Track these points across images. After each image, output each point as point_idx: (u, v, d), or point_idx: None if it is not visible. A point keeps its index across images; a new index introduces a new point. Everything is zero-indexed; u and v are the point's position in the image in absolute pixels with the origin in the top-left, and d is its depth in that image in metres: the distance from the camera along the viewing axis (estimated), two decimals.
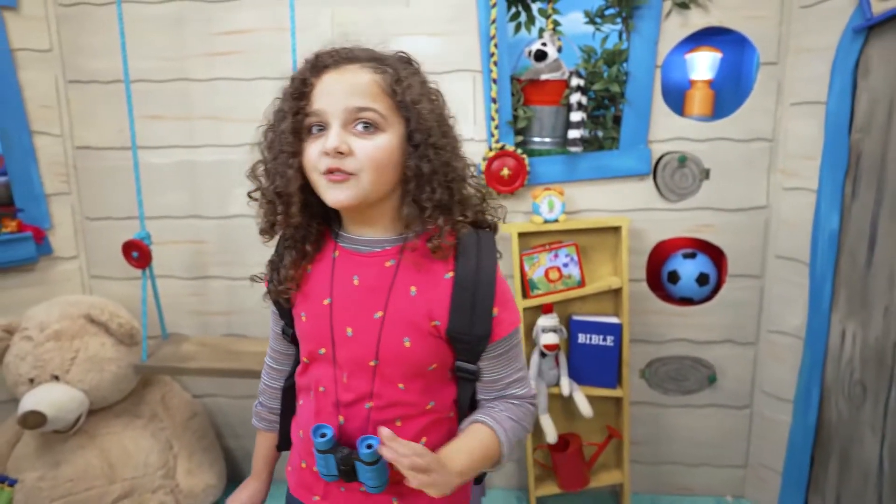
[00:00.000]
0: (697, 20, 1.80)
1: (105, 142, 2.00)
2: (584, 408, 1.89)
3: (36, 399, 1.72)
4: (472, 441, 0.83)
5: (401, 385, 0.83)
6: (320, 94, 0.78)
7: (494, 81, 1.84)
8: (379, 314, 0.82)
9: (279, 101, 0.83)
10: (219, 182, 1.97)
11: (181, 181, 2.00)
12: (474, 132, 1.92)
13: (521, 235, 1.88)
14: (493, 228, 0.91)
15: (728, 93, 1.98)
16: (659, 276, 2.04)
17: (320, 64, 0.80)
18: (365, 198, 0.79)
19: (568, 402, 1.96)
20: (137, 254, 1.80)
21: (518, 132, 1.91)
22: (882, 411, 1.68)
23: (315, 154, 0.79)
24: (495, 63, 1.82)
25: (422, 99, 0.81)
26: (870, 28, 1.59)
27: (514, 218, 1.95)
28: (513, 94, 1.88)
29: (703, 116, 1.92)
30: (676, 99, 1.94)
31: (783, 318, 1.92)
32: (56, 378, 1.79)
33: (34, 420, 1.69)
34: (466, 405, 0.89)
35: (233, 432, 2.21)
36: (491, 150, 1.87)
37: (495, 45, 1.81)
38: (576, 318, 1.93)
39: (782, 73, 1.82)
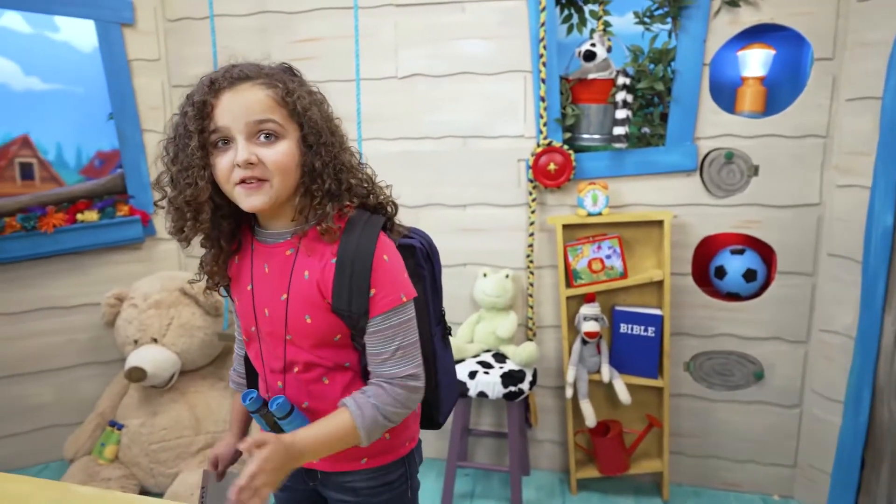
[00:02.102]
0: (747, 17, 1.82)
1: None
2: (623, 395, 1.95)
3: (139, 357, 2.02)
4: (328, 427, 0.90)
5: (315, 353, 0.95)
6: (222, 113, 0.85)
7: (543, 81, 1.94)
8: (284, 296, 0.93)
9: (179, 119, 0.89)
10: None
11: None
12: (524, 129, 2.03)
13: (566, 227, 1.98)
14: (393, 208, 0.99)
15: (782, 89, 1.97)
16: (706, 271, 2.06)
17: (216, 86, 0.86)
18: (276, 199, 0.89)
19: (609, 389, 2.03)
20: None
21: (567, 129, 2.01)
22: None
23: (226, 167, 0.87)
24: (544, 63, 1.93)
25: (311, 106, 0.90)
26: None
27: (560, 211, 2.04)
28: (562, 93, 1.98)
29: (755, 113, 1.93)
30: (728, 96, 1.96)
31: (835, 316, 1.89)
32: (155, 341, 2.09)
33: (136, 374, 1.98)
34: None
35: None
36: (539, 146, 1.98)
37: (544, 47, 1.92)
38: (618, 308, 2.00)
39: (838, 69, 1.80)
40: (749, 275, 1.96)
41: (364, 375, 0.98)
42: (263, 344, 0.99)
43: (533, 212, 2.04)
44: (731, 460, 2.12)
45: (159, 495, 2.05)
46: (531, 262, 2.09)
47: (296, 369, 0.96)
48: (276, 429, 0.95)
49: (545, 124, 1.97)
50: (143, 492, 2.10)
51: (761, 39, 1.90)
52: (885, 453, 1.80)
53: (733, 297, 2.02)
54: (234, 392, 1.17)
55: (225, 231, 0.95)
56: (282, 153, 0.88)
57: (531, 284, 2.10)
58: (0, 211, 2.12)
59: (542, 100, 1.95)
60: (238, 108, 0.86)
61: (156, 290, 2.14)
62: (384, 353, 0.92)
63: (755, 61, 1.91)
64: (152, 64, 2.25)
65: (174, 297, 2.14)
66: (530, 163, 1.99)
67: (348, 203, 0.93)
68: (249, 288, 0.97)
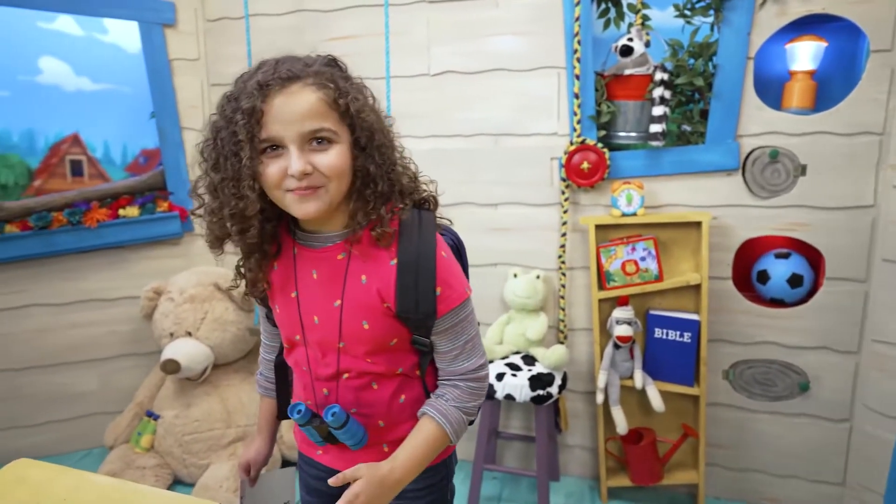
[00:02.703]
0: (796, 8, 1.72)
1: None
2: (657, 402, 1.88)
3: (174, 350, 2.07)
4: (419, 443, 0.89)
5: (368, 360, 0.91)
6: (273, 120, 0.80)
7: (577, 77, 1.89)
8: (337, 303, 0.89)
9: (221, 122, 0.83)
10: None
11: None
12: (557, 127, 1.98)
13: (599, 228, 1.92)
14: (433, 204, 0.96)
15: (833, 84, 1.86)
16: (748, 276, 1.96)
17: (265, 91, 0.80)
18: (330, 205, 0.85)
19: (643, 395, 1.96)
20: None
21: (601, 127, 1.95)
22: None
23: (277, 174, 0.82)
24: (578, 59, 1.88)
25: (363, 107, 0.85)
26: None
27: (593, 211, 1.99)
28: (597, 90, 1.92)
29: (803, 109, 1.82)
30: (774, 92, 1.86)
31: (889, 325, 1.77)
32: (189, 334, 2.14)
33: (171, 366, 2.03)
34: (427, 370, 0.96)
35: None
36: (572, 144, 1.93)
37: (578, 42, 1.87)
38: (653, 312, 1.93)
39: None
40: (794, 280, 1.86)
41: (412, 381, 0.95)
42: (310, 351, 0.94)
43: (565, 211, 1.99)
44: (773, 475, 2.01)
45: (191, 485, 2.09)
46: (563, 262, 2.04)
47: (345, 376, 0.93)
48: (330, 439, 0.93)
49: (579, 122, 1.92)
50: (176, 481, 2.16)
51: (811, 31, 1.79)
52: None
53: (777, 303, 1.92)
54: (262, 395, 1.15)
55: (267, 235, 0.90)
56: (336, 158, 0.83)
57: (562, 286, 2.05)
58: (49, 206, 2.20)
59: (576, 96, 1.90)
60: (290, 115, 0.80)
61: (191, 284, 2.19)
62: (455, 349, 0.91)
63: (805, 54, 1.80)
64: (192, 63, 2.31)
65: (208, 291, 2.19)
66: (563, 161, 1.94)
67: (401, 205, 0.89)
68: (294, 295, 0.92)
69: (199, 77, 2.33)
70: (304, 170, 0.80)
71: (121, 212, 2.26)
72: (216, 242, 0.89)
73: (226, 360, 2.22)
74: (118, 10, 2.20)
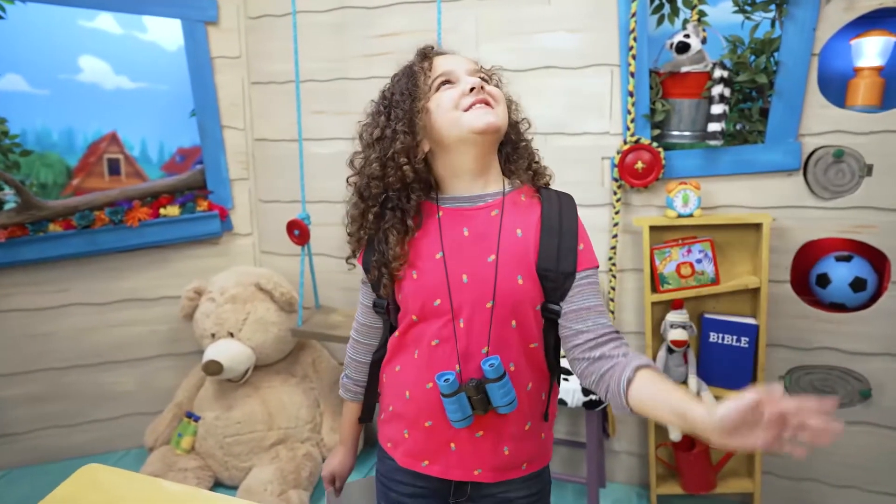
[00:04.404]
0: (867, 1, 1.66)
1: (278, 134, 2.31)
2: None
3: (216, 350, 2.05)
4: (681, 391, 0.79)
5: (513, 322, 0.89)
6: (443, 63, 0.93)
7: (632, 75, 1.84)
8: (492, 258, 0.89)
9: (389, 90, 0.96)
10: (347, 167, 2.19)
11: (338, 169, 2.23)
12: (609, 126, 1.93)
13: (653, 229, 1.87)
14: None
15: None
16: (806, 279, 1.90)
17: (431, 51, 0.96)
18: (503, 125, 0.92)
19: None
20: (298, 232, 2.07)
21: (656, 126, 1.90)
22: None
23: (454, 96, 0.89)
24: (633, 56, 1.83)
25: (500, 83, 0.99)
26: None
27: (647, 212, 1.94)
28: (651, 88, 1.87)
29: (869, 107, 1.76)
30: (838, 89, 1.79)
31: None
32: (231, 335, 2.11)
33: (214, 367, 2.01)
34: (551, 346, 0.94)
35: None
36: (626, 143, 1.88)
37: (634, 39, 1.82)
38: (708, 315, 1.88)
39: None
40: (857, 284, 1.80)
41: (537, 365, 0.94)
42: (455, 318, 0.90)
43: (617, 212, 1.94)
44: (830, 485, 1.95)
45: (233, 488, 2.07)
46: (613, 264, 1.99)
47: (486, 349, 0.90)
48: (480, 405, 0.88)
49: (632, 120, 1.87)
50: (217, 483, 2.13)
51: (879, 26, 1.73)
52: None
53: (837, 307, 1.86)
54: (347, 401, 1.11)
55: (412, 208, 0.93)
56: (498, 90, 0.94)
57: (612, 288, 2.00)
58: (91, 205, 2.19)
59: (631, 94, 1.85)
60: (456, 60, 0.94)
61: (231, 284, 2.17)
62: (597, 306, 0.91)
63: (872, 50, 1.73)
64: (233, 61, 2.29)
65: (249, 292, 2.17)
66: (615, 161, 1.89)
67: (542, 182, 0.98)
68: (439, 256, 0.91)
69: (240, 75, 2.30)
70: (480, 83, 0.89)
71: (161, 211, 2.24)
72: (359, 231, 0.95)
73: (267, 362, 2.19)
74: (162, 8, 2.19)
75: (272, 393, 2.17)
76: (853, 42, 1.77)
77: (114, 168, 2.48)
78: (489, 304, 0.89)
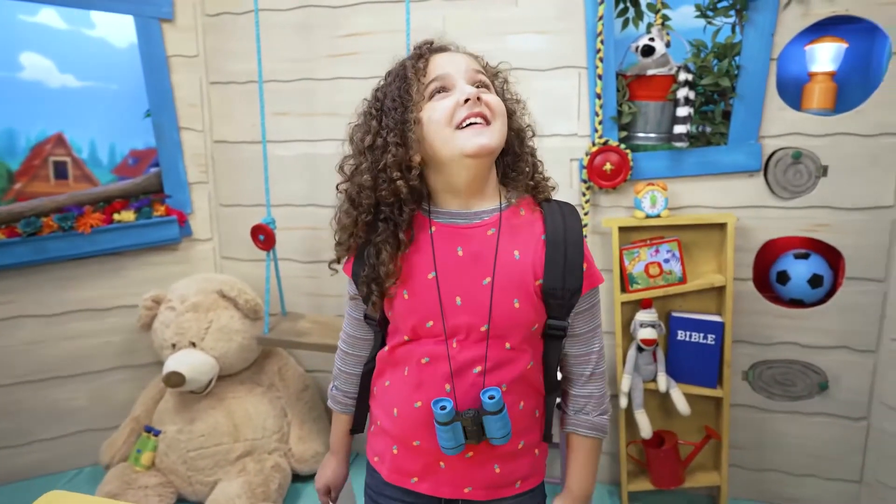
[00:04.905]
0: (821, 9, 1.73)
1: (239, 136, 2.24)
2: (682, 405, 1.87)
3: (177, 361, 1.96)
4: (588, 461, 0.96)
5: (507, 345, 0.87)
6: (439, 65, 0.86)
7: (600, 77, 1.86)
8: (487, 280, 0.85)
9: (379, 93, 0.89)
10: (336, 173, 2.13)
11: (303, 172, 2.19)
12: (577, 128, 1.95)
13: (622, 230, 1.89)
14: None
15: (853, 86, 1.87)
16: (766, 276, 1.97)
17: (428, 47, 0.90)
18: (498, 146, 0.85)
19: (664, 398, 1.94)
20: (264, 237, 2.00)
21: (622, 128, 1.92)
22: None
23: (448, 108, 0.83)
24: (601, 59, 1.85)
25: (504, 85, 0.93)
26: None
27: (616, 213, 1.96)
28: (618, 90, 1.90)
29: (823, 110, 1.83)
30: (794, 93, 1.86)
31: None
32: (193, 345, 2.03)
33: (175, 379, 1.93)
34: (555, 363, 0.92)
35: None
36: (594, 145, 1.90)
37: (601, 42, 1.84)
38: (675, 314, 1.92)
39: None
40: (815, 280, 1.87)
41: (533, 385, 0.92)
42: (448, 340, 0.87)
43: (586, 213, 1.96)
44: (791, 474, 2.02)
45: None
46: None
47: (478, 368, 0.87)
48: (474, 435, 0.86)
49: (600, 122, 1.89)
50: (181, 499, 2.05)
51: (831, 32, 1.80)
52: None
53: (796, 303, 1.93)
54: (337, 412, 1.08)
55: (404, 221, 0.88)
56: (497, 100, 0.86)
57: None
58: (37, 210, 2.07)
59: (598, 97, 1.87)
60: (454, 62, 0.87)
61: (192, 292, 2.09)
62: (590, 330, 0.93)
63: (825, 56, 1.81)
64: (190, 60, 2.20)
65: (212, 299, 2.09)
66: (584, 162, 1.91)
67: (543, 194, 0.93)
68: (432, 276, 0.87)
69: (198, 75, 2.22)
70: (477, 93, 0.82)
71: (115, 216, 2.14)
72: (347, 240, 0.91)
73: (231, 371, 2.12)
74: (112, 4, 2.09)
75: (237, 403, 2.09)
76: (807, 48, 1.84)
77: (60, 171, 2.35)
78: (484, 328, 0.86)
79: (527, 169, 0.91)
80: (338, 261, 0.95)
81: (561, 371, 0.96)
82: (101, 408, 2.25)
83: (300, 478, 2.16)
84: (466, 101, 0.82)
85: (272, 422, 2.12)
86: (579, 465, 0.95)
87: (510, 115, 0.89)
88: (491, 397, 0.84)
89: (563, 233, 0.87)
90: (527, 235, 0.88)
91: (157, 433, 2.06)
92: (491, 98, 0.85)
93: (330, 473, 1.08)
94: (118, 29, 2.32)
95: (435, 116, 0.83)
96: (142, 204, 2.18)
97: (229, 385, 2.13)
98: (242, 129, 2.22)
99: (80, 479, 2.22)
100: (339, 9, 2.05)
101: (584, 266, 0.88)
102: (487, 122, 0.83)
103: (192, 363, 1.98)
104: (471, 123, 0.82)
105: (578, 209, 1.97)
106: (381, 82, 0.91)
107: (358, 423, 1.06)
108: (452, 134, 0.83)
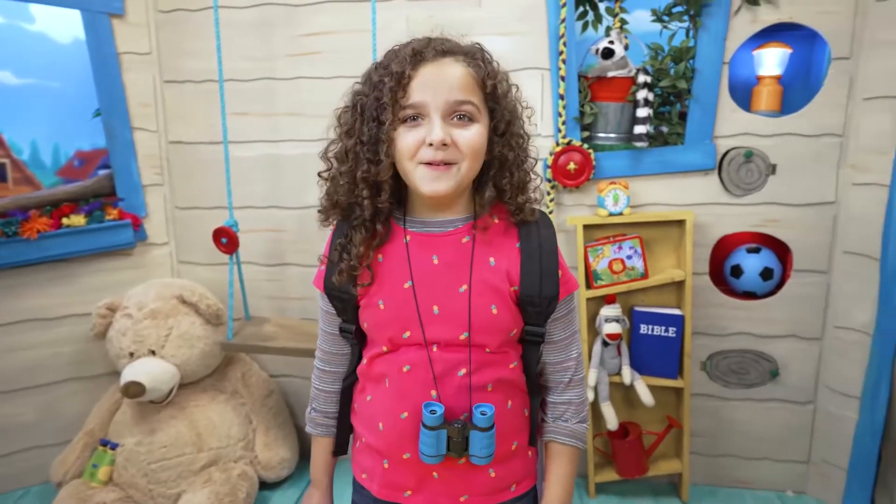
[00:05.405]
0: (767, 16, 1.82)
1: (195, 136, 2.17)
2: (646, 397, 1.93)
3: (136, 371, 1.89)
4: (566, 472, 0.95)
5: (487, 349, 0.87)
6: (419, 87, 0.81)
7: (562, 79, 1.90)
8: (464, 288, 0.85)
9: (365, 88, 0.85)
10: (298, 174, 2.10)
11: (263, 173, 2.15)
12: (541, 128, 1.99)
13: (586, 228, 1.94)
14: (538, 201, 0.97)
15: (796, 88, 1.98)
16: (721, 270, 2.06)
17: (419, 58, 0.82)
18: (459, 185, 0.83)
19: (628, 390, 2.01)
20: (226, 240, 1.95)
21: (584, 128, 1.97)
22: None
23: (413, 143, 0.81)
24: (563, 61, 1.89)
25: (508, 93, 0.88)
26: None
27: (580, 211, 2.01)
28: (580, 91, 1.94)
29: (771, 112, 1.93)
30: (743, 95, 1.96)
31: (850, 313, 1.91)
32: (153, 353, 1.96)
33: (134, 389, 1.85)
34: (534, 367, 0.92)
35: (304, 412, 2.34)
36: (558, 144, 1.94)
37: (564, 44, 1.88)
38: (638, 308, 1.98)
39: (855, 68, 1.81)
40: (766, 273, 1.97)
41: (517, 385, 0.92)
42: (427, 348, 0.86)
43: (551, 212, 2.00)
44: (746, 458, 2.13)
45: None
46: None
47: (462, 371, 0.86)
48: (457, 449, 0.84)
49: (564, 123, 1.93)
50: None
51: (777, 38, 1.90)
52: None
53: (749, 295, 2.03)
54: (316, 437, 1.03)
55: (384, 212, 0.88)
56: (476, 136, 0.83)
57: None
58: None
59: (562, 98, 1.91)
60: (439, 83, 0.81)
61: (150, 298, 2.01)
62: (567, 336, 0.93)
63: (771, 60, 1.91)
64: (143, 58, 2.11)
65: (171, 305, 2.01)
66: (548, 162, 1.95)
67: (534, 195, 0.91)
68: (408, 285, 0.86)
69: (152, 73, 2.13)
70: (444, 139, 0.80)
71: (64, 221, 2.03)
72: (331, 210, 0.90)
73: (193, 378, 2.05)
74: None
75: (200, 412, 2.03)
76: (755, 52, 1.94)
77: None
78: (463, 336, 0.86)
79: (518, 178, 0.88)
80: (326, 218, 0.94)
81: (540, 379, 0.96)
82: (51, 422, 2.13)
83: (267, 485, 2.12)
84: (431, 144, 0.81)
85: (237, 429, 2.07)
86: (557, 476, 0.93)
87: (509, 123, 0.86)
88: (483, 413, 0.83)
89: (538, 240, 0.88)
90: (501, 243, 0.88)
91: (114, 446, 1.98)
92: (465, 135, 0.82)
93: None
94: (60, 23, 2.21)
95: (400, 146, 0.83)
96: (93, 207, 2.08)
97: (191, 393, 2.06)
98: (199, 130, 2.15)
99: (27, 499, 2.10)
100: (299, 7, 2.02)
101: (560, 273, 0.88)
102: (450, 164, 0.82)
103: (151, 372, 1.90)
104: (432, 161, 0.81)
105: (543, 208, 2.02)
106: (361, 86, 0.87)
107: (341, 445, 1.03)
108: (414, 168, 0.83)
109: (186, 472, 1.95)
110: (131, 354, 1.95)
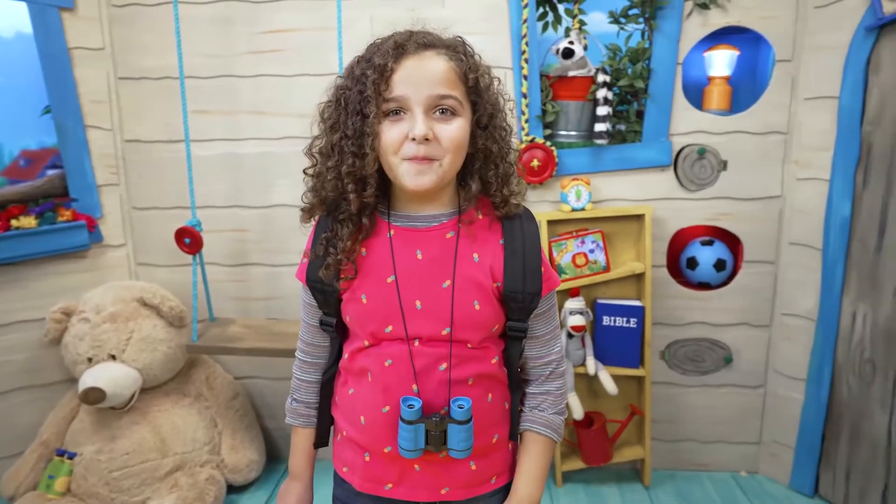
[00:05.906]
0: (717, 20, 1.91)
1: (152, 135, 2.11)
2: (610, 386, 2.00)
3: (95, 376, 1.83)
4: (539, 461, 0.94)
5: (469, 345, 0.88)
6: (402, 81, 0.80)
7: (525, 78, 1.95)
8: (447, 283, 0.86)
9: (349, 82, 0.84)
10: (261, 173, 2.07)
11: (225, 173, 2.11)
12: None
13: (550, 223, 1.99)
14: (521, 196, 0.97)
15: (744, 88, 2.09)
16: (678, 263, 2.15)
17: (401, 51, 0.82)
18: (442, 180, 0.84)
19: (593, 381, 2.07)
20: (190, 240, 1.91)
21: (546, 126, 2.02)
22: (891, 388, 1.80)
23: (397, 138, 0.81)
24: (526, 60, 1.93)
25: (490, 86, 0.88)
26: (881, 27, 1.71)
27: (543, 207, 2.06)
28: (542, 90, 1.99)
29: (721, 111, 2.03)
30: (695, 94, 2.05)
31: (796, 301, 2.03)
32: (113, 357, 1.90)
33: (94, 396, 1.79)
34: (516, 362, 0.94)
35: (271, 413, 2.32)
36: (522, 142, 1.98)
37: (526, 44, 1.92)
38: (600, 301, 2.05)
39: (797, 70, 1.93)
40: (719, 265, 2.07)
41: (498, 379, 0.92)
42: (410, 343, 0.87)
43: None
44: (702, 442, 2.23)
45: None
46: None
47: (444, 365, 0.87)
48: (435, 442, 0.85)
49: (527, 121, 1.98)
50: None
51: (726, 41, 2.00)
52: (844, 426, 1.96)
53: (703, 286, 2.12)
54: (296, 428, 1.03)
55: (369, 206, 0.88)
56: (458, 131, 0.83)
57: None
58: None
59: (524, 96, 1.96)
60: (421, 77, 0.81)
61: (109, 301, 1.95)
62: (548, 332, 0.95)
63: (721, 61, 2.01)
64: (96, 53, 2.04)
65: (131, 308, 1.96)
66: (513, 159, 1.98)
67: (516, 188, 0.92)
68: (391, 279, 0.87)
69: (105, 69, 2.06)
70: (426, 134, 0.80)
71: (13, 223, 1.94)
72: (318, 206, 0.89)
73: (155, 383, 2.00)
74: None
75: (163, 416, 1.98)
76: (706, 54, 2.03)
77: None
78: (445, 331, 0.86)
79: (503, 169, 0.89)
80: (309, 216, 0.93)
81: (521, 374, 0.97)
82: (1, 434, 2.04)
83: (235, 488, 2.09)
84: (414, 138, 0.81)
85: (202, 433, 2.03)
86: (529, 467, 0.93)
87: (491, 116, 0.87)
88: (460, 406, 0.85)
89: (522, 236, 0.88)
90: (485, 238, 0.89)
91: (71, 456, 1.91)
92: (447, 130, 0.82)
93: (294, 499, 1.02)
94: (2, 17, 2.12)
95: (384, 141, 0.83)
96: (44, 209, 1.99)
97: (153, 398, 2.01)
98: (157, 128, 2.10)
99: None
100: (260, 4, 1.99)
101: (542, 269, 0.89)
102: (432, 160, 0.82)
103: (112, 377, 1.85)
104: (415, 157, 0.82)
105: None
106: (345, 80, 0.87)
107: (322, 436, 1.03)
108: (397, 163, 0.83)
109: (151, 479, 1.90)
110: (90, 360, 1.89)
